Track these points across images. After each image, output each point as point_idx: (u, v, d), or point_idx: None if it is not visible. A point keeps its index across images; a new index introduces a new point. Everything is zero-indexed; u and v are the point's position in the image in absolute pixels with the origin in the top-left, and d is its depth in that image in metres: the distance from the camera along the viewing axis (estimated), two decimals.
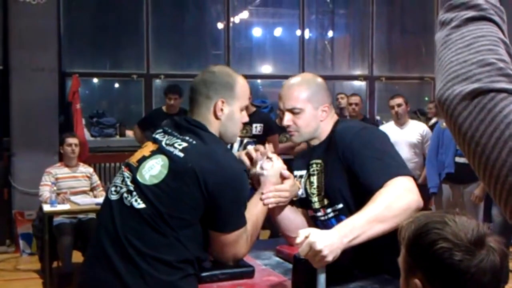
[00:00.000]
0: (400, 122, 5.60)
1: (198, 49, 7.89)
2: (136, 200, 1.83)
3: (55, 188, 5.13)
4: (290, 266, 1.97)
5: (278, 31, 8.39)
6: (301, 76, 2.21)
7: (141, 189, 1.83)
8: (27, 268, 5.69)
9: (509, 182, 0.80)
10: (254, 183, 2.12)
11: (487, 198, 4.85)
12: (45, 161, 5.72)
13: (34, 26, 6.24)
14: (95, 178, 5.45)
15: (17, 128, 6.29)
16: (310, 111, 2.06)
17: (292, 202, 2.24)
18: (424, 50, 8.53)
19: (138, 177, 1.86)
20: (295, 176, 2.18)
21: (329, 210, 2.05)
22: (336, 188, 2.00)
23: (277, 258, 2.26)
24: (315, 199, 2.09)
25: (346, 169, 1.95)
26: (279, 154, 7.08)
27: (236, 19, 7.95)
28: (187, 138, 1.88)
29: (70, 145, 5.27)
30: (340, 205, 2.01)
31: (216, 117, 1.94)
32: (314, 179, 2.09)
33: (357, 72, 8.46)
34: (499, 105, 0.82)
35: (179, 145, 1.86)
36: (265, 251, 2.35)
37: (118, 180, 1.94)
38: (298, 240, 1.71)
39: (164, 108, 6.18)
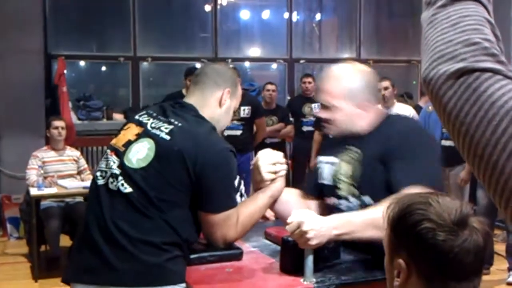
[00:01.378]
0: (386, 105, 5.61)
1: (186, 31, 7.84)
2: (122, 185, 1.84)
3: (42, 171, 5.11)
4: (279, 248, 1.99)
5: (265, 14, 8.35)
6: (344, 67, 2.02)
7: (128, 174, 1.85)
8: (14, 252, 5.68)
9: (493, 161, 0.81)
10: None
11: (472, 181, 4.90)
12: (31, 145, 5.68)
13: (19, 9, 6.16)
14: (82, 161, 5.44)
15: (3, 111, 6.23)
16: (345, 109, 1.93)
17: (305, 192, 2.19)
18: (411, 33, 8.54)
19: (125, 161, 1.87)
20: (320, 162, 2.10)
21: (353, 199, 1.96)
22: (370, 181, 1.91)
23: (266, 240, 2.28)
24: (343, 186, 1.98)
25: (383, 166, 1.87)
26: (265, 137, 7.04)
27: (224, 1, 7.89)
28: (173, 120, 1.90)
29: (57, 128, 5.24)
30: (369, 199, 1.92)
31: (219, 105, 1.99)
32: (348, 167, 1.97)
33: (345, 55, 8.45)
34: (484, 85, 0.83)
35: (166, 128, 1.88)
36: (253, 233, 2.37)
37: (103, 165, 1.95)
38: (289, 220, 1.73)
39: (184, 91, 6.13)
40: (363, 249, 1.96)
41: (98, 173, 1.94)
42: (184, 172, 1.81)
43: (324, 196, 2.10)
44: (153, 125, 1.91)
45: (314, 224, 1.71)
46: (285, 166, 2.06)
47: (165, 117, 1.93)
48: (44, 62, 6.50)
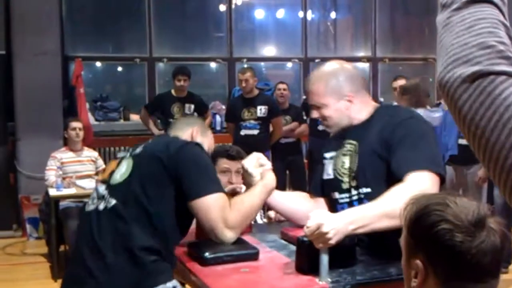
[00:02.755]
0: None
1: (201, 31, 7.86)
2: (108, 201, 2.00)
3: (60, 172, 5.16)
4: (294, 248, 1.99)
5: (280, 13, 8.34)
6: (321, 69, 2.19)
7: (114, 189, 2.03)
8: (34, 252, 5.74)
9: (508, 164, 0.81)
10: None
11: (490, 179, 4.86)
12: (50, 146, 5.74)
13: (36, 10, 6.23)
14: (100, 162, 5.49)
15: (22, 113, 6.30)
16: (333, 104, 2.06)
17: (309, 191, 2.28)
18: (427, 31, 8.48)
19: (111, 182, 2.07)
20: (324, 158, 2.18)
21: (354, 192, 2.02)
22: (367, 171, 1.98)
23: (282, 241, 2.29)
24: (345, 179, 2.05)
25: (381, 155, 1.94)
26: (281, 136, 7.06)
27: (238, 1, 7.90)
28: (148, 142, 2.21)
29: (74, 129, 5.29)
30: (368, 189, 1.98)
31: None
32: (347, 159, 2.06)
33: (360, 53, 8.42)
34: (499, 88, 0.83)
35: (140, 147, 2.14)
36: (269, 233, 2.38)
37: (93, 195, 2.13)
38: (308, 223, 1.74)
39: (173, 91, 6.20)
40: (379, 249, 1.96)
41: (90, 201, 2.12)
42: (162, 170, 1.95)
43: (329, 192, 2.15)
44: (129, 153, 2.15)
45: (333, 224, 1.72)
46: (268, 162, 2.19)
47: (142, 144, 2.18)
48: (61, 64, 6.56)
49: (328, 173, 2.14)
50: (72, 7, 7.11)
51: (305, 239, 1.82)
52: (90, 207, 2.08)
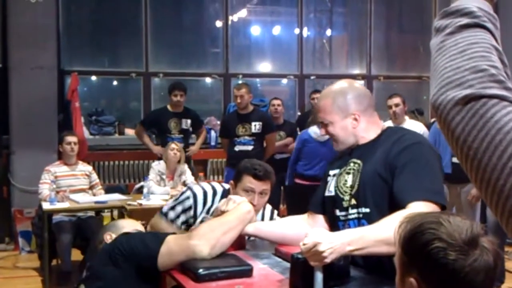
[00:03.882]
0: (397, 122, 5.61)
1: (197, 47, 7.90)
2: None
3: (54, 186, 5.15)
4: (289, 265, 1.99)
5: (276, 30, 8.40)
6: (330, 86, 2.22)
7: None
8: (26, 266, 5.70)
9: (500, 185, 0.83)
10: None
11: None
12: (44, 159, 5.73)
13: (33, 24, 6.25)
14: (94, 176, 5.48)
15: (17, 126, 6.30)
16: (338, 121, 2.09)
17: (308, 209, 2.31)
18: (422, 49, 8.55)
19: None
20: (329, 176, 2.20)
21: (353, 211, 2.02)
22: (368, 191, 1.98)
23: (276, 257, 2.28)
24: (346, 197, 2.06)
25: (384, 177, 1.94)
26: (275, 152, 7.06)
27: (235, 17, 7.96)
28: None
29: (70, 143, 5.29)
30: (367, 210, 1.98)
31: None
32: (349, 177, 2.06)
33: (355, 71, 8.47)
34: (491, 111, 0.85)
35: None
36: (263, 250, 2.38)
37: None
38: (305, 241, 1.75)
39: (169, 106, 6.22)
40: (373, 267, 1.96)
41: None
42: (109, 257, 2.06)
43: (330, 209, 2.15)
44: None
45: (330, 243, 1.73)
46: (242, 198, 2.29)
47: None
48: (58, 78, 6.57)
49: (330, 190, 2.15)
50: (69, 22, 7.14)
51: (300, 256, 1.82)
52: None
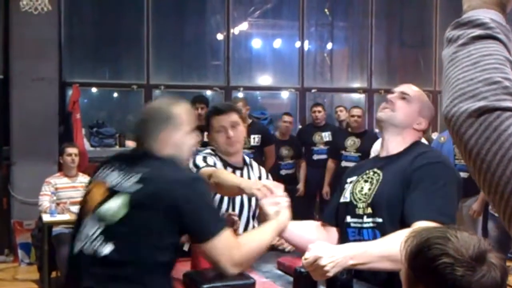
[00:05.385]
0: None
1: (198, 60, 7.92)
2: (98, 247, 1.80)
3: (54, 198, 5.14)
4: (291, 279, 1.98)
5: (277, 43, 8.43)
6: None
7: (103, 233, 1.81)
8: (25, 278, 5.67)
9: None
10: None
11: (485, 212, 4.86)
12: (44, 171, 5.72)
13: (35, 36, 6.27)
14: None
15: (17, 138, 6.30)
16: (414, 109, 2.10)
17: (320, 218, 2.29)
18: (422, 63, 8.57)
19: (98, 223, 1.84)
20: (346, 183, 2.17)
21: (368, 219, 2.00)
22: (384, 201, 1.97)
23: (278, 271, 2.27)
24: (360, 204, 2.04)
25: (401, 191, 1.93)
26: (274, 164, 7.01)
27: (236, 30, 7.98)
28: (139, 168, 1.87)
29: (70, 155, 5.28)
30: (380, 220, 1.96)
31: (164, 148, 1.95)
32: (366, 185, 2.05)
33: (356, 84, 8.49)
34: (505, 124, 0.84)
35: (135, 177, 1.84)
36: (266, 263, 2.37)
37: (81, 233, 1.89)
38: (306, 255, 1.74)
39: None
40: (377, 282, 1.95)
41: (75, 241, 1.90)
42: (162, 214, 1.78)
43: (342, 215, 2.11)
44: (119, 179, 1.88)
45: (331, 257, 1.72)
46: (285, 198, 2.13)
47: (130, 166, 1.90)
48: (59, 90, 6.58)
49: (345, 196, 2.12)
50: (71, 33, 7.16)
51: (303, 270, 1.81)
52: (76, 248, 1.88)
